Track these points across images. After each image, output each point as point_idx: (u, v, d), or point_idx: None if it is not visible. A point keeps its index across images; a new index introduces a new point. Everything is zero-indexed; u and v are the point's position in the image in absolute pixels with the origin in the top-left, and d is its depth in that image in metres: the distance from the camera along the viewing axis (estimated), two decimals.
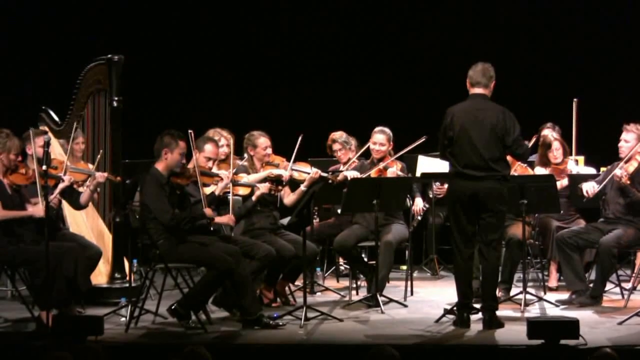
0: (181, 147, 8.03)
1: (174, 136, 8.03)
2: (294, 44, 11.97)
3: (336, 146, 9.72)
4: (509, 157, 8.11)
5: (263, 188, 8.64)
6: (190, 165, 8.29)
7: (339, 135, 9.73)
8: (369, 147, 9.40)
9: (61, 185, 8.24)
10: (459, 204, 7.83)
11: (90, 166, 8.92)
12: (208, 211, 8.07)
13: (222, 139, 9.06)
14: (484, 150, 7.74)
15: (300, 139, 8.90)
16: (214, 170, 8.60)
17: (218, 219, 8.34)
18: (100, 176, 8.58)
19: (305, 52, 11.90)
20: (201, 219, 8.11)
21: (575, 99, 9.84)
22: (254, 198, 8.70)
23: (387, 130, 9.35)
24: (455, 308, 7.97)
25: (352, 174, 9.16)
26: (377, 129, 9.36)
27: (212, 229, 8.28)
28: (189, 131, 8.25)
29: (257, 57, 11.97)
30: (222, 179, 8.35)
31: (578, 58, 11.38)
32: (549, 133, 9.75)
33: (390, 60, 11.87)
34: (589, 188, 8.84)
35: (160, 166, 8.07)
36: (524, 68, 11.34)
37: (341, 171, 9.36)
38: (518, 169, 9.20)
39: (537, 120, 10.17)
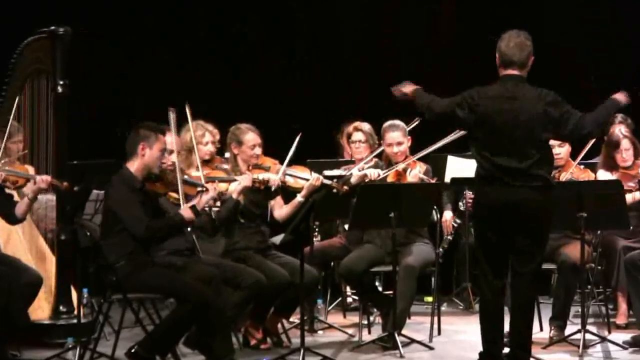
0: (162, 142, 7.45)
1: (152, 129, 7.46)
2: (289, 25, 11.58)
3: (358, 136, 8.92)
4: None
5: (245, 180, 7.92)
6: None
7: (365, 124, 9.02)
8: (382, 152, 8.69)
9: None
10: (488, 220, 6.97)
11: (29, 169, 8.28)
12: (187, 212, 7.35)
13: (207, 135, 8.45)
14: (519, 150, 6.89)
15: (297, 138, 8.19)
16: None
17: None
18: (42, 181, 7.75)
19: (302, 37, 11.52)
20: (180, 226, 7.48)
21: None
22: (234, 195, 7.90)
23: (398, 123, 8.58)
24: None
25: (372, 173, 8.44)
26: (386, 125, 8.58)
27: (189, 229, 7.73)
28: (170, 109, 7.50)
29: (248, 42, 11.52)
30: (207, 191, 7.60)
31: None
32: (617, 129, 8.99)
33: (408, 44, 11.35)
34: None
35: (133, 166, 7.40)
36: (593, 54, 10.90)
37: (351, 174, 8.60)
38: (575, 171, 8.43)
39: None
